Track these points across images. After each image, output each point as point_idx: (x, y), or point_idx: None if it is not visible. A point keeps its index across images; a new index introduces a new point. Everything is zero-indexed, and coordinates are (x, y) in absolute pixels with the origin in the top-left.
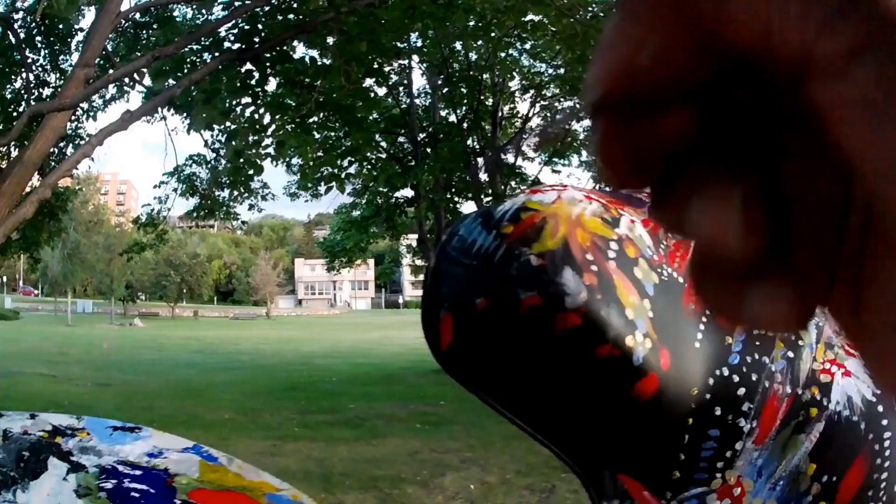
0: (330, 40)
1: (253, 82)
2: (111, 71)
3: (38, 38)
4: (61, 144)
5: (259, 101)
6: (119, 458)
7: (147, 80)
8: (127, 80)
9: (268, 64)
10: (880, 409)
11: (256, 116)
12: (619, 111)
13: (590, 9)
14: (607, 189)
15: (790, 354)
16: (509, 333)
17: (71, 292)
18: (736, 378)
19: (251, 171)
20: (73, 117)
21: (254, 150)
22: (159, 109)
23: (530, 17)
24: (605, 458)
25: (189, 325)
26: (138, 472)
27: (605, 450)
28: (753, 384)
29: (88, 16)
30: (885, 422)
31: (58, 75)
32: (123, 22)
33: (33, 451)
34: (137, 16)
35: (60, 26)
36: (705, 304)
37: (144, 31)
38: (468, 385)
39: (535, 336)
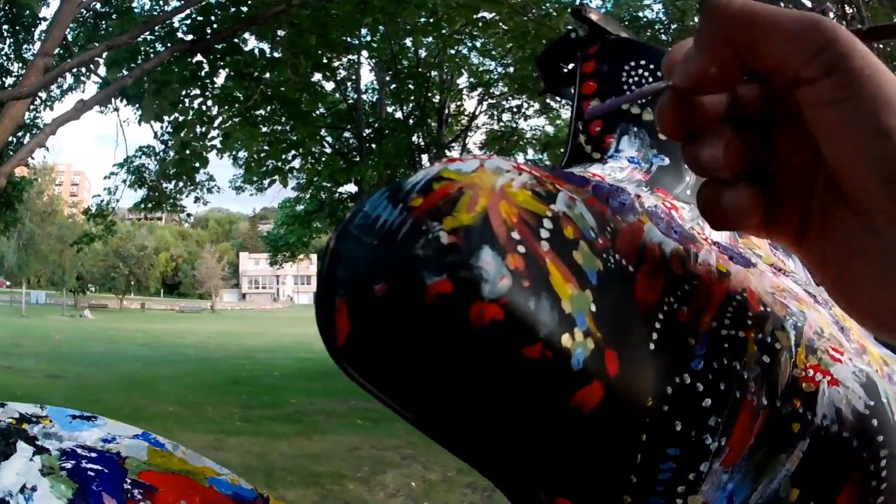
0: (281, 33)
1: (203, 74)
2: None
3: (6, 27)
4: (19, 134)
5: (208, 93)
6: (77, 443)
7: (102, 71)
8: (84, 70)
9: (218, 55)
10: (874, 422)
11: (204, 108)
12: (686, 94)
13: (542, 7)
14: (544, 166)
15: (766, 359)
16: (413, 327)
17: (25, 283)
18: (700, 386)
19: (197, 164)
20: (31, 107)
21: (200, 143)
22: (112, 100)
23: (482, 14)
24: (538, 479)
25: (136, 317)
26: (94, 455)
27: (537, 470)
28: (722, 394)
29: (53, 4)
30: (880, 438)
31: (20, 64)
32: (84, 12)
33: (3, 436)
34: (98, 5)
35: (27, 13)
36: (702, 207)
37: (104, 22)
38: (369, 389)
39: (446, 331)
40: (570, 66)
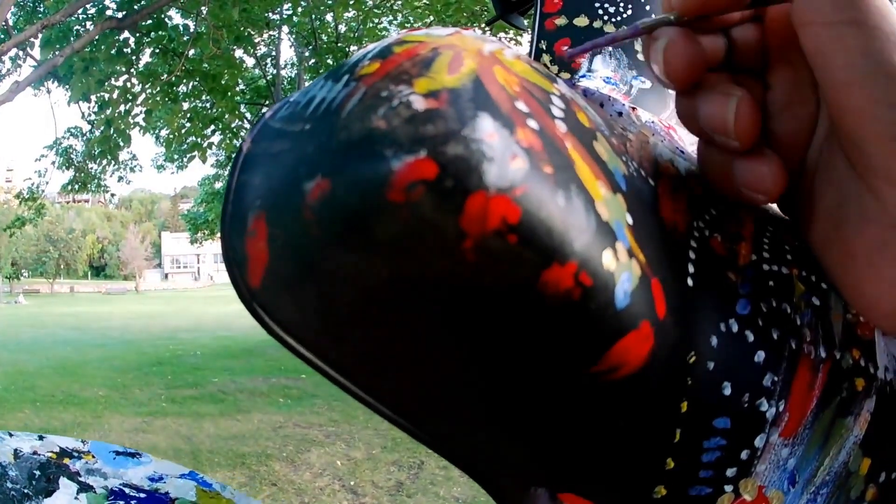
0: (205, 9)
1: (128, 51)
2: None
3: None
4: None
5: (133, 70)
6: (124, 481)
7: (38, 53)
8: (20, 52)
9: (143, 32)
10: None
11: (129, 86)
12: (691, 24)
13: None
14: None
15: (815, 301)
16: (370, 241)
17: None
18: (750, 335)
19: (121, 141)
20: None
21: (124, 120)
22: (44, 83)
23: None
24: (538, 470)
25: (66, 300)
26: (143, 495)
27: (539, 458)
28: (776, 345)
29: None
30: None
31: None
32: None
33: (43, 471)
34: None
35: None
36: (706, 172)
37: (41, 4)
38: (301, 354)
39: (424, 245)
40: None
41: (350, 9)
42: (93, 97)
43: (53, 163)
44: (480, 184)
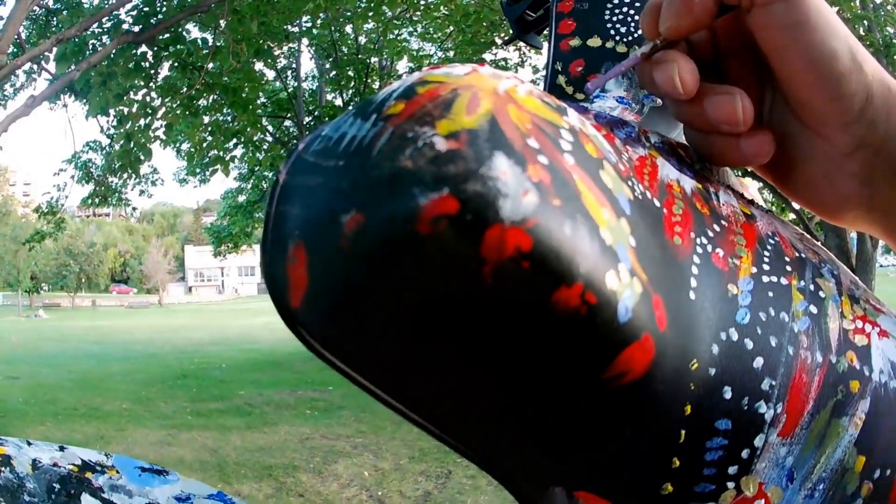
0: (223, 23)
1: (147, 65)
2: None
3: None
4: None
5: (151, 84)
6: (150, 500)
7: (53, 67)
8: (35, 66)
9: (161, 46)
10: None
11: (148, 100)
12: (670, 46)
13: None
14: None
15: (813, 309)
16: (403, 270)
17: None
18: (749, 343)
19: (141, 155)
20: None
21: (144, 134)
22: (61, 96)
23: None
24: (555, 470)
25: (88, 314)
26: None
27: (556, 458)
28: (773, 351)
29: (8, 3)
30: None
31: None
32: (37, 9)
33: (63, 484)
34: (50, 2)
35: None
36: (712, 155)
37: (55, 18)
38: (338, 367)
39: (451, 272)
40: (537, 13)
41: (370, 20)
42: (111, 111)
43: (73, 177)
44: (497, 217)
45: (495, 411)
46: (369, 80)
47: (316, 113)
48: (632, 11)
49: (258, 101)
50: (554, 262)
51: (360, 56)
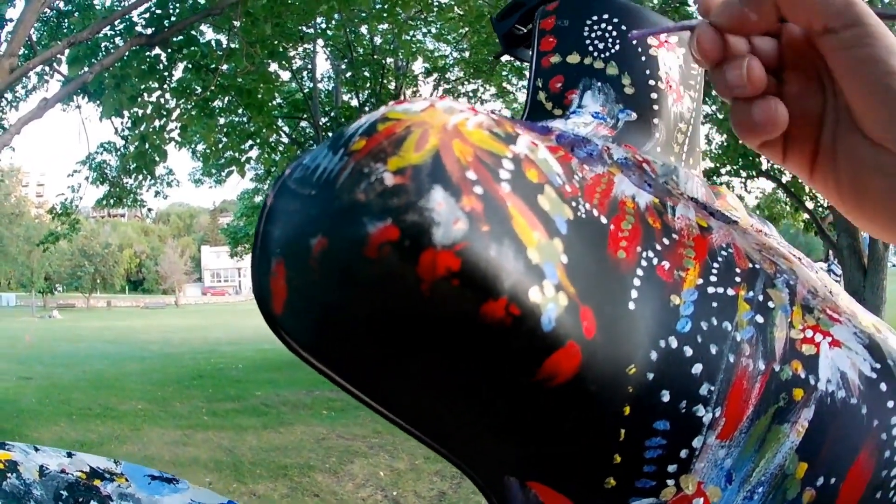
0: (237, 24)
1: (161, 67)
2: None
3: None
4: None
5: (166, 86)
6: None
7: (65, 69)
8: (47, 68)
9: (175, 48)
10: (883, 387)
11: (162, 101)
12: (722, 31)
13: None
14: (503, 115)
15: (759, 319)
16: (355, 285)
17: None
18: (688, 350)
19: (156, 157)
20: None
21: (159, 136)
22: (74, 98)
23: None
24: (507, 461)
25: (103, 315)
26: None
27: (506, 451)
28: (713, 359)
29: (18, 5)
30: (890, 403)
31: None
32: (48, 11)
33: (71, 492)
34: (61, 4)
35: None
36: (735, 125)
37: (66, 20)
38: (313, 364)
39: (392, 288)
40: (527, 28)
41: (384, 21)
42: (126, 113)
43: (87, 178)
44: (430, 242)
45: (448, 406)
46: (385, 81)
47: (332, 114)
48: (609, 27)
49: (274, 103)
50: (480, 280)
51: (375, 57)
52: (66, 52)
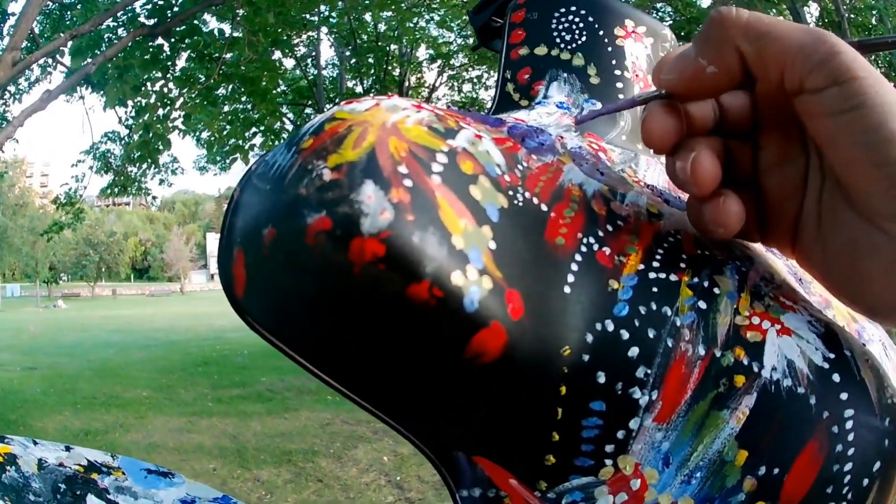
0: (240, 13)
1: (163, 57)
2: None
3: None
4: None
5: (169, 76)
6: (155, 502)
7: (68, 60)
8: (50, 60)
9: (178, 38)
10: (836, 378)
11: (166, 91)
12: (678, 97)
13: None
14: (459, 110)
15: (701, 305)
16: (297, 270)
17: (0, 277)
18: (625, 334)
19: (160, 145)
20: (0, 101)
21: (162, 125)
22: (77, 89)
23: None
24: (452, 436)
25: (108, 303)
26: None
27: (449, 426)
28: (651, 342)
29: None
30: (844, 395)
31: None
32: (50, 3)
33: (69, 484)
34: None
35: None
36: (689, 215)
37: (69, 12)
38: (274, 343)
39: (328, 272)
40: (503, 20)
41: (387, 9)
42: (129, 102)
43: (91, 167)
44: (358, 231)
45: (391, 382)
46: (389, 68)
47: (337, 101)
48: (576, 20)
49: (278, 90)
50: (403, 264)
51: (379, 44)
52: (69, 44)
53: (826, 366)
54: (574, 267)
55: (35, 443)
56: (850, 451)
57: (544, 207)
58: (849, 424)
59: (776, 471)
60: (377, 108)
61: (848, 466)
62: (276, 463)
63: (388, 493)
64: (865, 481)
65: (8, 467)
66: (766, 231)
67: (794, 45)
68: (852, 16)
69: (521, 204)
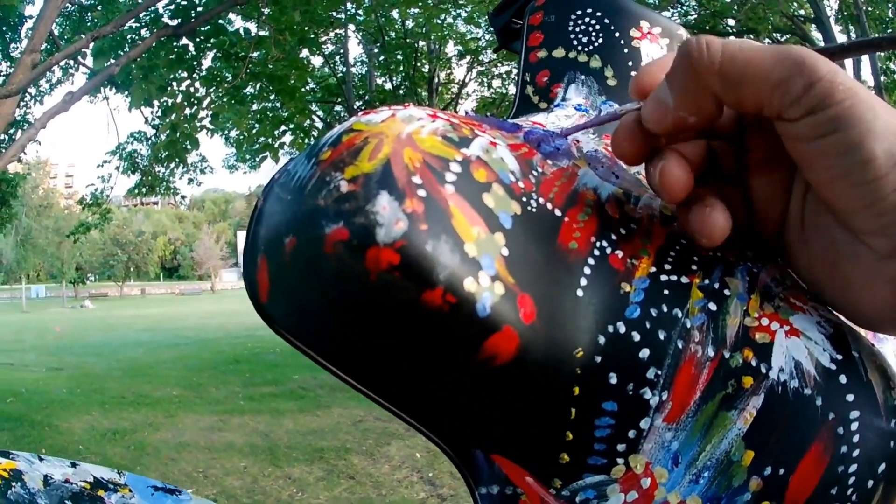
0: (265, 12)
1: (189, 57)
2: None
3: None
4: (11, 131)
5: (195, 75)
6: None
7: (90, 62)
8: (72, 62)
9: (203, 38)
10: (843, 379)
11: (192, 90)
12: (658, 135)
13: None
14: (476, 116)
15: (711, 307)
16: (317, 278)
17: (25, 278)
18: (636, 336)
19: (187, 145)
20: (21, 103)
21: (190, 124)
22: (101, 89)
23: None
24: (471, 435)
25: (137, 303)
26: None
27: (467, 425)
28: (661, 344)
29: (38, 1)
30: (850, 397)
31: (9, 63)
32: (69, 5)
33: (75, 501)
34: None
35: (13, 13)
36: (680, 223)
37: (89, 14)
38: (297, 346)
39: (346, 280)
40: (522, 22)
41: (414, 5)
42: (155, 102)
43: (118, 168)
44: (373, 241)
45: (411, 384)
46: (418, 64)
47: (366, 97)
48: (593, 21)
49: (306, 88)
50: (417, 272)
51: (407, 40)
52: (91, 45)
53: (833, 367)
54: (587, 270)
55: (41, 458)
56: (856, 453)
57: (558, 212)
58: (854, 426)
59: (781, 471)
60: (393, 119)
61: (853, 468)
62: (307, 460)
63: (420, 490)
64: (870, 483)
65: (13, 483)
66: (753, 229)
67: (769, 83)
68: (870, 9)
69: (534, 210)
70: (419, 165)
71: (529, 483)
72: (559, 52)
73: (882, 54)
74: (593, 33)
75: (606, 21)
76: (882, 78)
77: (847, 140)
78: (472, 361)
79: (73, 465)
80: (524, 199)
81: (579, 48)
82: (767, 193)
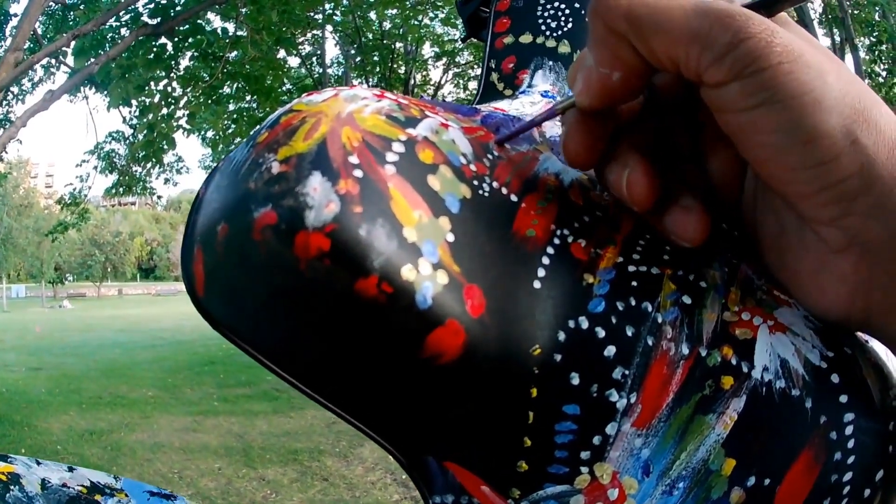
0: (243, 12)
1: (167, 56)
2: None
3: None
4: None
5: (172, 75)
6: None
7: (71, 61)
8: (53, 61)
9: (181, 37)
10: (835, 379)
11: (170, 90)
12: (592, 112)
13: None
14: (431, 100)
15: (686, 300)
16: (247, 266)
17: (6, 278)
18: (601, 332)
19: (164, 144)
20: (3, 102)
21: (166, 124)
22: (81, 89)
23: None
24: (421, 440)
25: (114, 303)
26: None
27: (416, 430)
28: (629, 341)
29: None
30: (843, 398)
31: None
32: (53, 4)
33: None
34: None
35: None
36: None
37: (71, 13)
38: (236, 343)
39: (275, 268)
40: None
41: (392, 6)
42: (133, 102)
43: (96, 167)
44: (302, 225)
45: (352, 382)
46: (394, 66)
47: None
48: (562, 6)
49: (283, 89)
50: (349, 259)
51: (384, 42)
52: (72, 44)
53: (824, 365)
54: (545, 260)
55: (38, 463)
56: (850, 460)
57: (514, 198)
58: (849, 430)
59: (767, 482)
60: (335, 98)
61: (847, 476)
62: (281, 462)
63: (394, 492)
64: (867, 492)
65: (11, 486)
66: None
67: (685, 33)
68: (856, 11)
69: (486, 194)
70: (357, 145)
71: (485, 493)
72: (526, 38)
73: (867, 57)
74: (562, 18)
75: (577, 5)
76: (867, 81)
77: (785, 113)
78: (414, 359)
79: (71, 469)
80: (475, 182)
81: (548, 33)
82: (726, 174)
